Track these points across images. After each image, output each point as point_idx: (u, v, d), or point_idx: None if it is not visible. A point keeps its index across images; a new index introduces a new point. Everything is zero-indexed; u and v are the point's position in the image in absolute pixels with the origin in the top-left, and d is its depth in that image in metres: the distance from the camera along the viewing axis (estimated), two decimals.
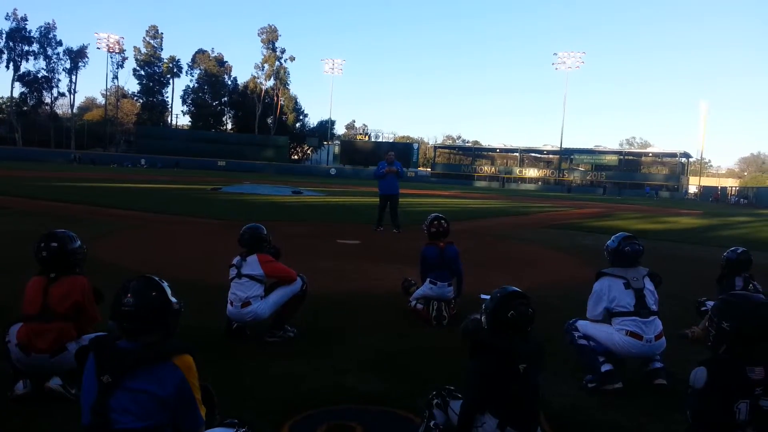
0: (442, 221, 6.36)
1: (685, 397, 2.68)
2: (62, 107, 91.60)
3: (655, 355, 4.38)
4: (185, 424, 2.38)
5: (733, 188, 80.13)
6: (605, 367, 4.27)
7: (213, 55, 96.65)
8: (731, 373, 2.58)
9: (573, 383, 4.38)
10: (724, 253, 5.98)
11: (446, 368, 4.54)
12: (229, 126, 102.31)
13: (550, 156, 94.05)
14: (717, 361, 2.66)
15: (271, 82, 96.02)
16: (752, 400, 2.53)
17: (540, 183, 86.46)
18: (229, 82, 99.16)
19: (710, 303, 5.75)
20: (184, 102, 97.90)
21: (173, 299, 2.47)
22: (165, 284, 2.48)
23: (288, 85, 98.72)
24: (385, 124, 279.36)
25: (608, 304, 4.41)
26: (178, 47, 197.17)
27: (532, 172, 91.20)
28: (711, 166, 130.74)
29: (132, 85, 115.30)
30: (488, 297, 3.14)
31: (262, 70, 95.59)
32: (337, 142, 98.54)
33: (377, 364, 4.63)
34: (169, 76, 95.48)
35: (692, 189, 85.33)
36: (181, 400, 2.32)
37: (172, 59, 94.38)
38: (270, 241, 5.32)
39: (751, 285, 5.62)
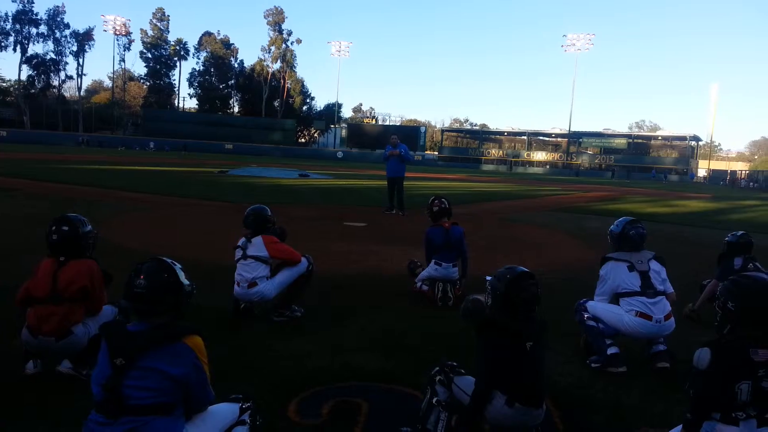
0: (443, 199, 6.48)
1: (686, 376, 2.71)
2: (70, 90, 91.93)
3: (663, 336, 4.40)
4: (196, 400, 2.45)
5: (743, 172, 79.42)
6: (611, 350, 4.32)
7: (219, 37, 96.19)
8: (735, 355, 2.58)
9: (577, 363, 4.43)
10: (725, 238, 6.05)
11: (450, 347, 4.59)
12: (236, 109, 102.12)
13: (559, 139, 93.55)
14: (721, 343, 2.66)
15: (277, 65, 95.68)
16: (754, 382, 2.53)
17: (548, 166, 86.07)
18: (236, 65, 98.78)
19: None
20: (190, 85, 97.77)
21: (185, 281, 2.52)
22: (177, 266, 2.53)
23: (295, 67, 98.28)
24: (393, 108, 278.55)
25: (614, 287, 4.45)
26: (184, 30, 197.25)
27: (539, 156, 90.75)
28: (721, 149, 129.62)
29: (139, 68, 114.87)
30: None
31: (269, 52, 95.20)
32: (344, 125, 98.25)
33: (383, 343, 4.69)
34: (175, 58, 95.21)
35: (701, 172, 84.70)
36: (193, 378, 2.39)
37: (179, 42, 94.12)
38: (274, 222, 5.36)
39: (751, 264, 5.64)
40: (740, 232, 6.01)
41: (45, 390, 3.52)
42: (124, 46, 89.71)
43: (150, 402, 2.30)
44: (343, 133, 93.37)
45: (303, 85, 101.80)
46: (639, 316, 4.30)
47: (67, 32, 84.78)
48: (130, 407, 2.28)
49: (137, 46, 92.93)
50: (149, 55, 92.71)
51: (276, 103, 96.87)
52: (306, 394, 3.63)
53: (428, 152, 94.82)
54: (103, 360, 2.37)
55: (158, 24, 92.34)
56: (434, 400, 3.04)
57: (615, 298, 4.48)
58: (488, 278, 6.78)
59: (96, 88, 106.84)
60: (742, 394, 2.53)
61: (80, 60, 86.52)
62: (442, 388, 3.08)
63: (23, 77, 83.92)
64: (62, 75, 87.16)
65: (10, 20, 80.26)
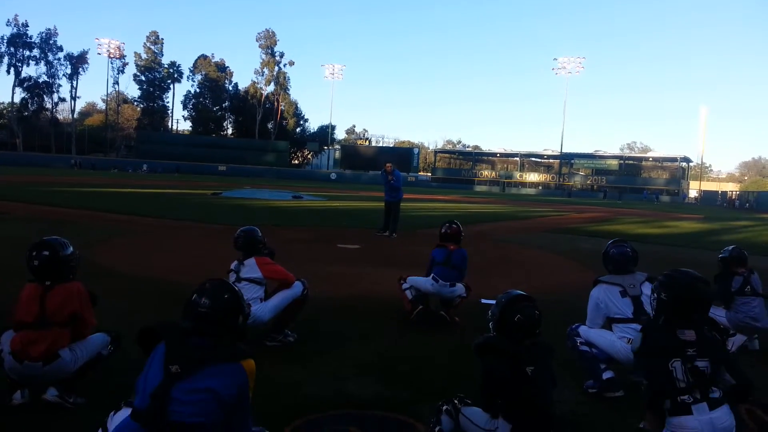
0: (453, 224, 6.49)
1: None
2: (63, 112, 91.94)
3: None
4: (238, 425, 2.38)
5: (734, 192, 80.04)
6: (607, 375, 4.26)
7: (214, 60, 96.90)
8: (662, 334, 2.91)
9: (573, 389, 4.37)
10: (719, 255, 6.04)
11: (446, 373, 4.53)
12: (230, 131, 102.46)
13: (551, 160, 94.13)
14: (651, 325, 3.05)
15: (271, 87, 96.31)
16: (686, 360, 2.78)
17: (540, 187, 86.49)
18: (230, 88, 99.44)
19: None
20: (184, 107, 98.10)
21: (245, 304, 2.57)
22: (238, 287, 2.58)
23: (288, 90, 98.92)
24: (386, 129, 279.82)
25: (606, 312, 4.38)
26: (178, 53, 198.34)
27: (532, 177, 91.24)
28: (711, 170, 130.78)
29: (133, 91, 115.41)
30: (489, 302, 3.13)
31: (262, 75, 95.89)
32: (338, 146, 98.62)
33: (377, 369, 4.62)
34: (169, 81, 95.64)
35: (692, 193, 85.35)
36: (240, 402, 2.34)
37: (173, 64, 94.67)
38: (265, 243, 5.33)
39: (748, 287, 5.57)
40: (731, 247, 6.00)
41: (30, 421, 3.42)
42: (118, 69, 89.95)
43: (193, 420, 2.22)
44: (337, 154, 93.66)
45: (296, 107, 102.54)
46: (631, 343, 4.23)
47: (60, 55, 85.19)
48: (170, 423, 2.20)
49: (131, 69, 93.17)
50: (143, 78, 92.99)
51: (270, 125, 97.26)
52: (299, 423, 3.55)
53: (421, 173, 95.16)
54: (156, 365, 2.30)
55: (152, 47, 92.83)
56: (437, 429, 2.99)
57: (608, 322, 4.41)
58: (482, 300, 6.72)
59: (89, 110, 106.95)
60: (676, 372, 2.77)
61: (74, 82, 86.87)
62: (448, 418, 3.02)
63: (16, 99, 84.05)
64: (55, 97, 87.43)
65: (5, 43, 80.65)
